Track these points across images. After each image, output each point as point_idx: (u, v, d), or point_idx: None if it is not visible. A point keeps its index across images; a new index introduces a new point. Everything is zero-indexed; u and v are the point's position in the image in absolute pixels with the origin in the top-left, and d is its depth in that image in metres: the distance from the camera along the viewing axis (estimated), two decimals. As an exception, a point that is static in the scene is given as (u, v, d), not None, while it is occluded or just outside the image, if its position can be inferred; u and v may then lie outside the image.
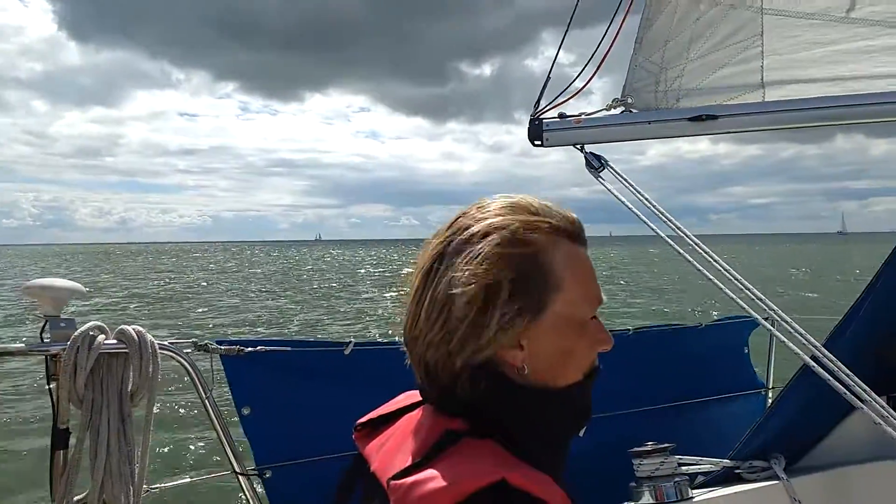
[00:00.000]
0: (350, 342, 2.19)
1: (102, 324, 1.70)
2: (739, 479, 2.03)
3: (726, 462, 2.04)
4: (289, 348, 2.10)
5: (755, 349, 3.38)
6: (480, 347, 0.84)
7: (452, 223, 0.90)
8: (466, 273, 0.84)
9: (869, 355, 2.05)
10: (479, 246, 0.85)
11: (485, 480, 0.75)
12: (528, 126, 3.46)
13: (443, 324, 0.84)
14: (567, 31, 3.21)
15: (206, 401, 1.89)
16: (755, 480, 2.00)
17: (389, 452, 0.89)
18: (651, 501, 1.89)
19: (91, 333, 1.66)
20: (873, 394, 1.73)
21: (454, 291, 0.83)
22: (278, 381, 2.09)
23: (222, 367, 2.00)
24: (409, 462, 0.81)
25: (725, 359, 3.13)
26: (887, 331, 2.07)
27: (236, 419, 2.08)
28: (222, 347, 1.98)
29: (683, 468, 1.98)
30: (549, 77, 3.48)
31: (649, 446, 1.99)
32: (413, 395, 0.99)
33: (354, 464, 0.99)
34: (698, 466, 2.02)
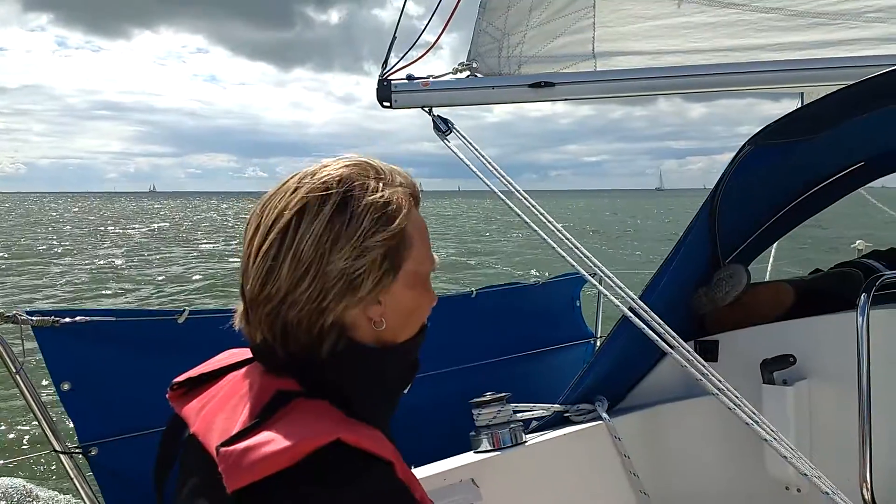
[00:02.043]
0: (184, 310, 2.09)
1: None
2: (569, 422, 2.19)
3: (557, 407, 2.19)
4: (113, 318, 1.95)
5: (589, 302, 3.68)
6: (353, 304, 0.84)
7: (303, 181, 0.87)
8: (336, 231, 0.83)
9: (679, 305, 2.28)
10: (346, 205, 0.84)
11: (321, 440, 0.75)
12: (376, 87, 3.43)
13: (312, 281, 0.82)
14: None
15: (17, 377, 1.72)
16: (582, 422, 2.16)
17: (212, 414, 0.86)
18: (488, 448, 1.99)
19: None
20: (681, 340, 1.93)
21: (326, 250, 0.82)
22: (103, 354, 1.94)
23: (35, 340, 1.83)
24: (237, 426, 0.79)
25: (559, 312, 3.38)
26: (694, 282, 2.31)
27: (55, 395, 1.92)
28: (34, 319, 1.79)
29: (519, 415, 2.10)
30: (394, 37, 3.46)
31: (488, 396, 2.08)
32: (238, 354, 0.96)
33: (171, 426, 0.95)
34: (532, 412, 2.15)
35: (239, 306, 0.90)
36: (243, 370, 0.92)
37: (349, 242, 0.83)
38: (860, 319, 1.84)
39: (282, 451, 0.74)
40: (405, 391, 0.97)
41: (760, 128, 1.99)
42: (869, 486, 1.82)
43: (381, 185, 0.88)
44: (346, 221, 0.83)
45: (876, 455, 1.82)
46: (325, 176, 0.87)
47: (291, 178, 0.89)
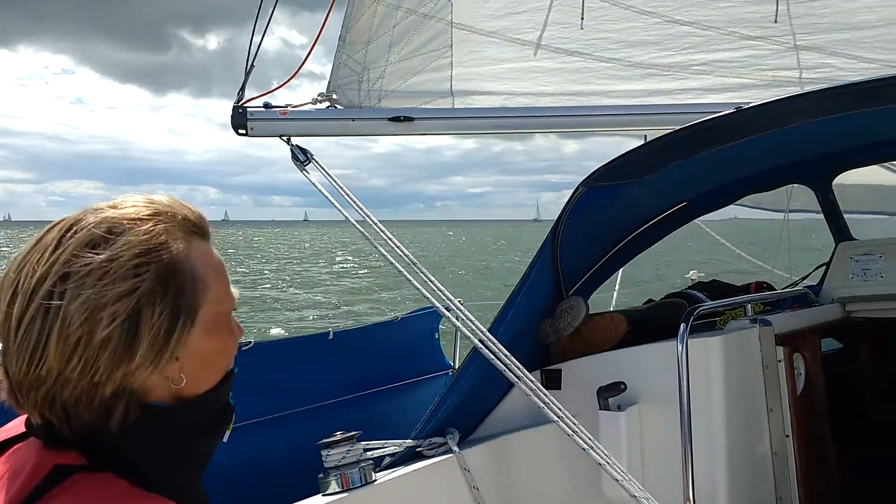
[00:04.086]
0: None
1: None
2: (421, 457, 2.20)
3: (409, 442, 2.18)
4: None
5: (450, 334, 3.75)
6: (134, 370, 0.75)
7: (65, 235, 0.77)
8: (105, 292, 0.73)
9: (527, 336, 2.37)
10: (114, 259, 0.75)
11: None
12: (230, 114, 3.36)
13: (82, 355, 0.73)
14: (268, 24, 3.19)
15: None
16: (433, 456, 2.17)
17: None
18: (337, 489, 1.95)
19: None
20: (525, 370, 2.00)
21: (96, 316, 0.73)
22: None
23: None
24: None
25: (418, 346, 3.42)
26: (540, 313, 2.41)
27: None
28: None
29: (369, 453, 2.07)
30: (252, 65, 3.41)
31: (338, 436, 2.04)
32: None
33: None
34: (384, 450, 2.14)
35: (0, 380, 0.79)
36: (24, 442, 0.82)
37: (115, 301, 0.74)
38: (680, 347, 1.99)
39: None
40: (223, 439, 0.92)
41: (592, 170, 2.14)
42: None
43: (156, 227, 0.79)
44: (113, 276, 0.74)
45: (697, 474, 1.96)
46: (89, 226, 0.77)
47: (51, 229, 0.79)
